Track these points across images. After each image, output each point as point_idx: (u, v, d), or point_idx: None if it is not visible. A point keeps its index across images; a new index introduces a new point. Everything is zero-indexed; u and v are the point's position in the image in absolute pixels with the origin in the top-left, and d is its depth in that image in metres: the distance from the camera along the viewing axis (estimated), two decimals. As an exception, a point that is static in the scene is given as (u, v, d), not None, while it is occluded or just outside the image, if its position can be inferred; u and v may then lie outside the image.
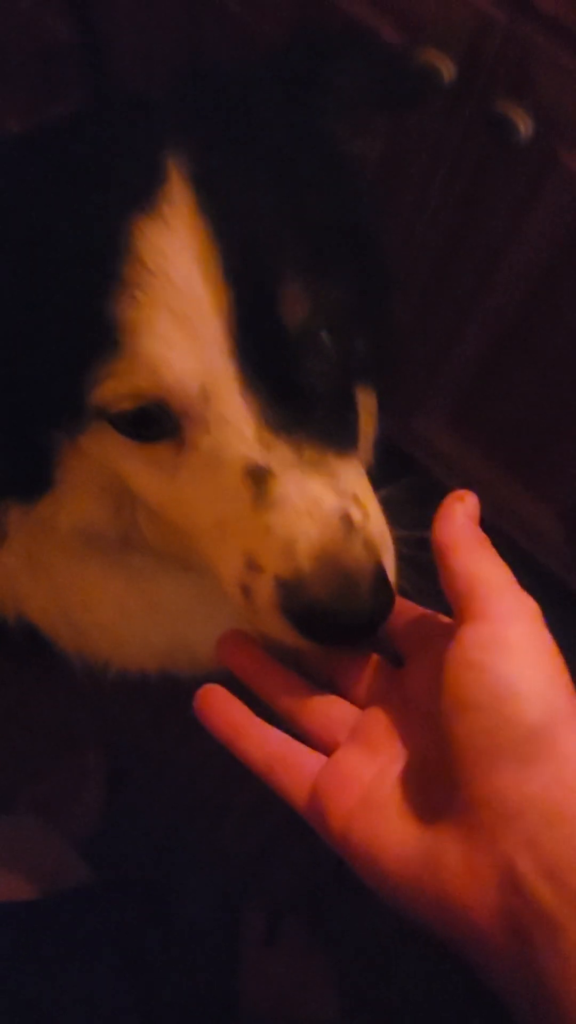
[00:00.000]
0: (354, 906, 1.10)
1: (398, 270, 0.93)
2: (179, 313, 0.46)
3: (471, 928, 0.37)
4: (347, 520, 0.48)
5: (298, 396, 0.49)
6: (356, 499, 0.49)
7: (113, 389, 0.48)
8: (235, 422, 0.48)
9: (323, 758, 0.46)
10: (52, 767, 1.13)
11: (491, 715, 0.38)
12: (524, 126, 0.68)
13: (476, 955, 0.38)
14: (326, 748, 0.47)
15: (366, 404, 0.67)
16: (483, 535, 0.45)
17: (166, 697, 0.85)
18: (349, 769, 0.45)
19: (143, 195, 0.47)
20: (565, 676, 0.40)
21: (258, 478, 0.48)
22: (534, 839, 0.36)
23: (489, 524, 0.46)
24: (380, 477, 0.57)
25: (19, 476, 0.59)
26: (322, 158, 0.56)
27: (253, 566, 0.48)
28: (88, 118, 0.57)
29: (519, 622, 0.40)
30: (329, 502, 0.48)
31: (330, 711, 0.49)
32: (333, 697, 0.49)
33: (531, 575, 0.45)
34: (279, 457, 0.48)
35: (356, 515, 0.48)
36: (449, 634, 0.42)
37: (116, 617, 0.72)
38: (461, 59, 0.70)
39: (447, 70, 0.70)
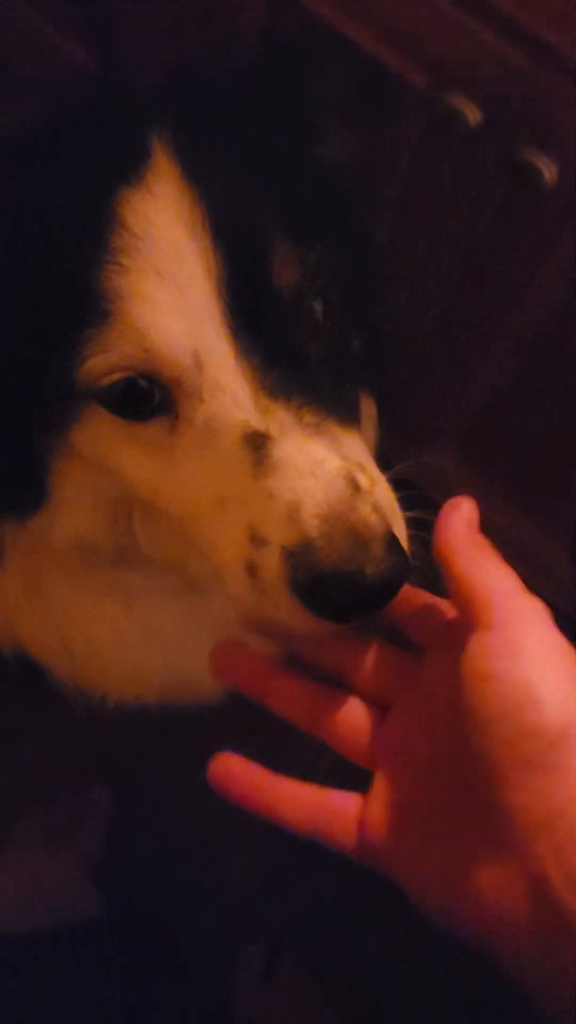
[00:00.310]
0: (353, 943, 1.09)
1: (413, 298, 0.94)
2: (167, 277, 0.46)
3: (506, 942, 0.37)
4: (353, 482, 0.45)
5: (294, 361, 0.48)
6: (361, 467, 0.47)
7: (102, 360, 0.47)
8: (230, 388, 0.46)
9: (358, 797, 0.45)
10: (54, 797, 1.12)
11: (512, 725, 0.37)
12: (548, 173, 0.68)
13: (515, 970, 0.37)
14: (352, 752, 0.46)
15: (366, 409, 0.65)
16: (483, 540, 0.44)
17: (166, 725, 0.83)
18: (388, 803, 0.43)
19: (129, 169, 0.47)
20: None
21: (257, 444, 0.46)
22: (563, 849, 0.36)
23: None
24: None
25: (13, 488, 0.57)
26: (305, 151, 0.57)
27: (257, 539, 0.46)
28: (79, 109, 0.58)
29: (529, 626, 0.40)
30: (332, 463, 0.46)
31: (350, 716, 0.47)
32: (351, 698, 0.47)
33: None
34: (278, 421, 0.46)
35: (362, 480, 0.46)
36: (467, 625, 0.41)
37: (114, 646, 0.71)
38: (486, 104, 0.70)
39: (472, 114, 0.70)
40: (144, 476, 0.51)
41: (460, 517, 0.44)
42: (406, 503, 0.50)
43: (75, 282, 0.46)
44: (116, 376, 0.47)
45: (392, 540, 0.45)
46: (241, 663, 0.50)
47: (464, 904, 0.38)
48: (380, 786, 0.44)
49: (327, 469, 0.45)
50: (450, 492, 1.17)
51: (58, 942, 0.89)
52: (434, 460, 1.11)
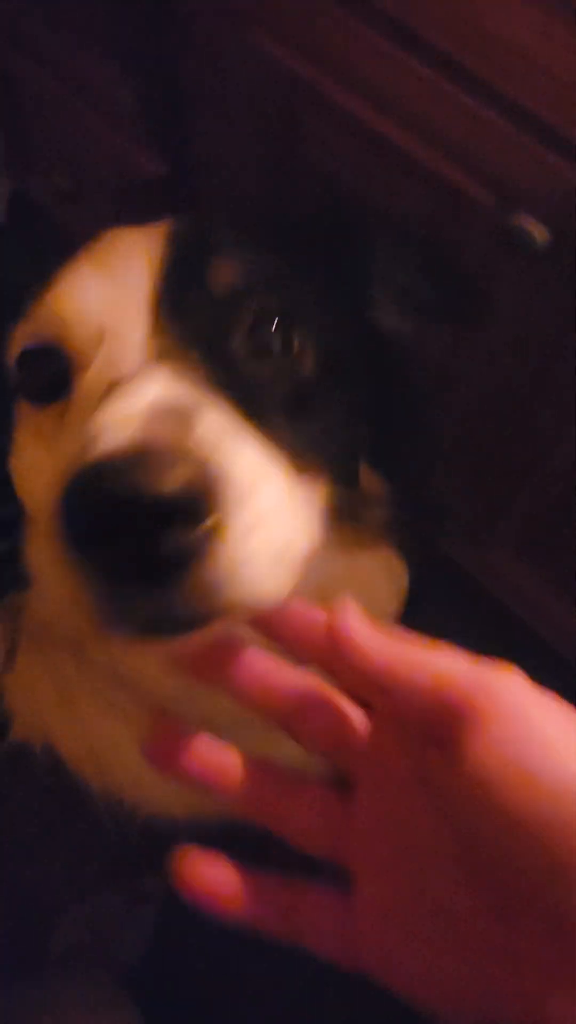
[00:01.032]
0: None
1: (474, 402, 0.96)
2: (103, 263, 0.48)
3: None
4: (183, 417, 0.36)
5: (218, 361, 0.43)
6: (221, 430, 0.37)
7: (22, 330, 0.48)
8: (120, 359, 0.42)
9: (339, 895, 0.39)
10: (103, 887, 1.09)
11: None
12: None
13: None
14: (309, 843, 0.40)
15: (390, 569, 0.61)
16: (401, 632, 0.37)
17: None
18: (378, 904, 0.38)
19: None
20: None
21: (108, 393, 0.39)
22: None
23: (559, 658, 0.41)
24: (449, 607, 0.52)
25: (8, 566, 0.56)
26: (348, 304, 0.56)
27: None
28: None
29: (527, 700, 0.34)
30: (162, 392, 0.38)
31: (304, 795, 0.41)
32: (302, 777, 0.41)
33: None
34: (144, 373, 0.40)
35: (204, 429, 0.36)
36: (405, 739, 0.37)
37: (140, 768, 0.67)
38: (554, 225, 0.73)
39: (540, 235, 0.73)
40: (40, 476, 0.45)
41: (358, 624, 0.37)
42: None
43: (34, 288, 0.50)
44: (30, 344, 0.48)
45: (199, 473, 0.33)
46: (177, 750, 0.42)
47: None
48: (364, 885, 0.38)
49: (151, 392, 0.37)
50: (517, 597, 1.16)
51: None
52: (496, 558, 1.11)
